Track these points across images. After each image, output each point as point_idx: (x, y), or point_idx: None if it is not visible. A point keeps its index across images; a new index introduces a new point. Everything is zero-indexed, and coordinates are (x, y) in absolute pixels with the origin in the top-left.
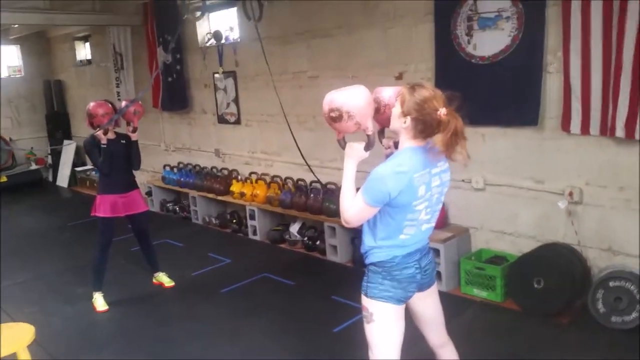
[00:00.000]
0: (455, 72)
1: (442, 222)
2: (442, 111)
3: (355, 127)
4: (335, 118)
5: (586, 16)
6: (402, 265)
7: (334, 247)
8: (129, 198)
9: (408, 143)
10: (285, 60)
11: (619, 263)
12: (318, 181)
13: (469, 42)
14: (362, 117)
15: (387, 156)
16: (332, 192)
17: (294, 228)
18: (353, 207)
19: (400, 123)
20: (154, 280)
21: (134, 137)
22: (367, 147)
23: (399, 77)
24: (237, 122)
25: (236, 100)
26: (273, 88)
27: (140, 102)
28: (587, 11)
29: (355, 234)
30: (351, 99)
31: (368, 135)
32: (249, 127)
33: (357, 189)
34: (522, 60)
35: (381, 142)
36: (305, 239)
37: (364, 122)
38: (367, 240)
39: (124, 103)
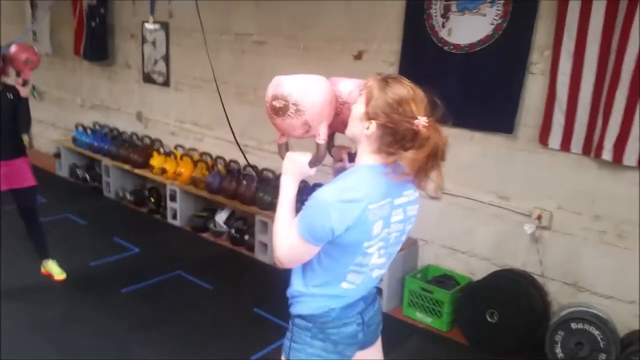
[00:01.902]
0: (423, 59)
1: None
2: (422, 120)
3: (303, 130)
4: (277, 109)
5: (586, 12)
6: (340, 322)
7: (264, 245)
8: (11, 167)
9: (367, 158)
10: (228, 18)
11: (584, 301)
12: (252, 166)
13: (443, 26)
14: (314, 116)
15: (336, 172)
16: (268, 181)
17: (221, 217)
18: (285, 243)
19: (361, 128)
20: (42, 269)
21: (23, 92)
22: (314, 162)
23: (358, 56)
24: (166, 83)
25: (166, 58)
26: (209, 48)
27: (35, 49)
28: (588, 7)
29: None
30: (305, 88)
31: (318, 145)
32: (179, 91)
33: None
34: (503, 55)
35: (329, 152)
36: (233, 231)
37: (315, 125)
38: (296, 284)
39: (13, 47)
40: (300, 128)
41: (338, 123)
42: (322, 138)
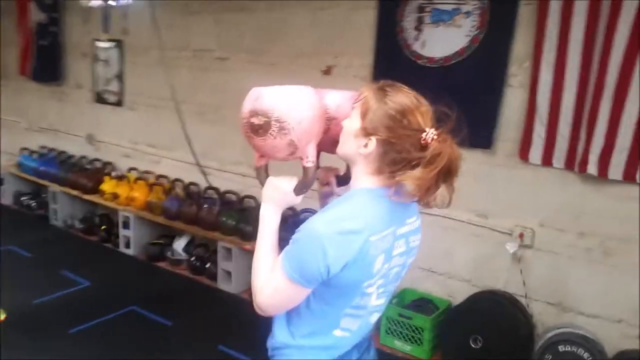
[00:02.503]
0: (396, 74)
1: None
2: (431, 133)
3: (288, 151)
4: (257, 128)
5: (566, 21)
6: None
7: (228, 274)
8: None
9: (365, 181)
10: (187, 34)
11: (570, 322)
12: (214, 188)
13: (416, 39)
14: (301, 135)
15: (323, 198)
16: (231, 204)
17: (179, 244)
18: (268, 286)
19: (356, 146)
20: None
21: None
22: (301, 189)
23: (327, 71)
24: (119, 103)
25: (120, 77)
26: (166, 66)
27: None
28: (568, 15)
29: None
30: (290, 102)
31: (306, 169)
32: (133, 110)
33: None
34: (481, 68)
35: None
36: (193, 259)
37: (302, 146)
38: (280, 333)
39: None
40: (285, 149)
41: (326, 142)
42: (310, 160)
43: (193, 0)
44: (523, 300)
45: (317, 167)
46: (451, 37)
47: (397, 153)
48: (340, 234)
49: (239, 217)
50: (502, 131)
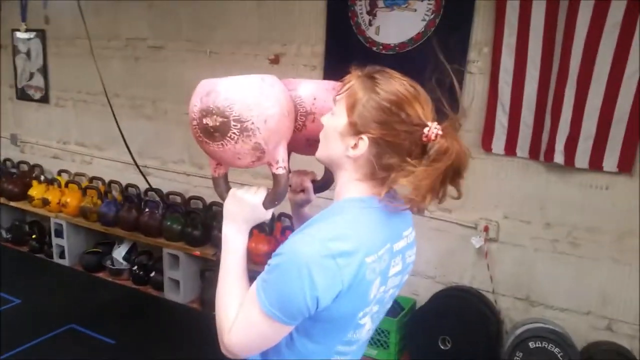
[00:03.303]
0: (350, 61)
1: None
2: (433, 128)
3: (253, 156)
4: (212, 130)
5: (526, 4)
6: None
7: (176, 282)
8: None
9: (354, 188)
10: (117, 21)
11: (538, 316)
12: (155, 190)
13: (370, 24)
14: (269, 136)
15: (299, 211)
16: (176, 206)
17: (119, 252)
18: (239, 324)
19: (342, 147)
20: None
21: None
22: (272, 201)
23: (275, 60)
24: (45, 99)
25: (44, 70)
26: (95, 57)
27: None
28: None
29: (206, 265)
30: (252, 96)
31: (277, 176)
32: (60, 107)
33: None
34: (438, 54)
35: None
36: (135, 268)
37: (270, 149)
38: None
39: None
40: (250, 155)
41: (299, 142)
42: (281, 166)
43: None
44: (490, 296)
45: (289, 172)
46: (406, 21)
47: (394, 154)
48: (331, 257)
49: (185, 220)
50: (463, 120)
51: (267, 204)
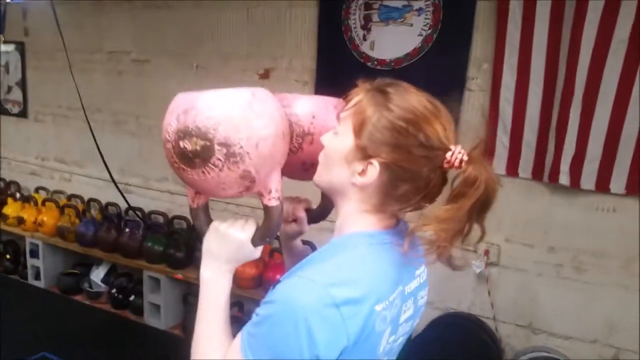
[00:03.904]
0: (343, 77)
1: None
2: (457, 152)
3: (241, 186)
4: (192, 156)
5: (529, 19)
6: None
7: (156, 307)
8: None
9: (361, 222)
10: (100, 34)
11: (541, 345)
12: (136, 209)
13: (364, 38)
14: (261, 162)
15: (291, 244)
16: (158, 227)
17: (97, 274)
18: None
19: (348, 173)
20: None
21: None
22: (263, 237)
23: (265, 75)
24: (23, 114)
25: (23, 84)
26: (76, 71)
27: None
28: (531, 12)
29: (189, 289)
30: (241, 115)
31: (269, 209)
32: (39, 122)
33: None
34: (436, 70)
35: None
36: (114, 291)
37: (262, 177)
38: None
39: None
40: (237, 184)
41: (293, 166)
42: (274, 196)
43: None
44: (491, 323)
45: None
46: (402, 36)
47: (410, 182)
48: (334, 306)
49: (167, 241)
50: (462, 139)
51: (257, 240)
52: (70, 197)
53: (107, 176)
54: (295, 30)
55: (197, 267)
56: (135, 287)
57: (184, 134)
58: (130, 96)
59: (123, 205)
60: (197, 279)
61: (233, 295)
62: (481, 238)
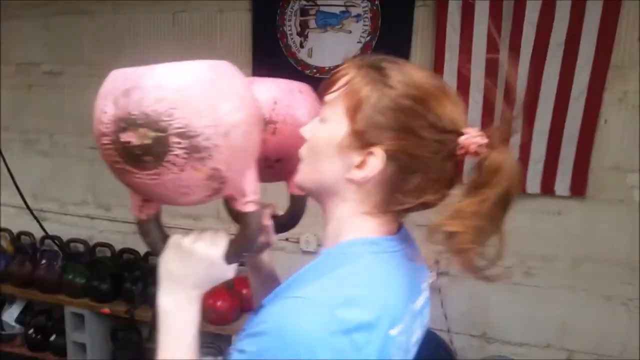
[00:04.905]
0: None
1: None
2: (474, 135)
3: (208, 189)
4: (138, 153)
5: (468, 21)
6: None
7: (81, 346)
8: None
9: (361, 226)
10: (6, 44)
11: (495, 354)
12: (53, 237)
13: (302, 45)
14: (234, 157)
15: (256, 264)
16: (78, 256)
17: (10, 314)
18: None
19: (342, 166)
20: None
21: None
22: (240, 252)
23: None
24: None
25: None
26: None
27: None
28: (470, 13)
29: (118, 324)
30: (205, 96)
31: (246, 216)
32: None
33: None
34: None
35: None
36: (31, 331)
37: (236, 175)
38: None
39: None
40: (203, 187)
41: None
42: (251, 199)
43: (14, 3)
44: (445, 336)
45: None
46: (341, 43)
47: (421, 173)
48: (344, 333)
49: (90, 272)
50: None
51: (232, 256)
52: None
53: (17, 202)
54: (227, 36)
55: (125, 299)
56: (55, 326)
57: (127, 123)
58: (42, 112)
59: (38, 235)
60: (127, 312)
61: (207, 336)
62: (501, 248)
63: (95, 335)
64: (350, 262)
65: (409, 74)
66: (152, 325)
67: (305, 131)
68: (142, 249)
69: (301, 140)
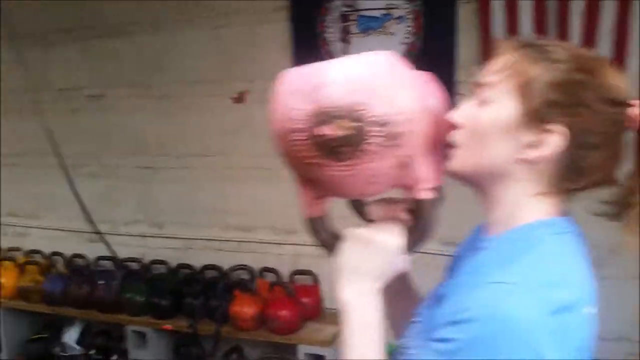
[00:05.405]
0: None
1: (317, 308)
2: None
3: (394, 177)
4: (334, 145)
5: (513, 19)
6: None
7: None
8: None
9: (536, 208)
10: (47, 70)
11: None
12: (110, 258)
13: (344, 51)
14: (419, 143)
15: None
16: (135, 274)
17: (70, 336)
18: None
19: (513, 147)
20: None
21: None
22: (418, 240)
23: (239, 99)
24: None
25: None
26: (21, 114)
27: None
28: (514, 12)
29: (181, 340)
30: (391, 85)
31: (421, 203)
32: None
33: None
34: None
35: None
36: (92, 352)
37: (417, 161)
38: None
39: None
40: (389, 175)
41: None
42: (428, 186)
43: (52, 30)
44: None
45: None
46: (385, 46)
47: (599, 149)
48: (555, 313)
49: (149, 289)
50: None
51: (412, 245)
52: (28, 253)
53: (70, 225)
54: (268, 47)
55: (186, 314)
56: (117, 345)
57: (322, 117)
58: (87, 135)
59: (91, 256)
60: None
61: (269, 346)
62: None
63: (158, 352)
64: (536, 245)
65: (569, 48)
66: (215, 339)
67: (459, 117)
68: (197, 263)
69: (437, 132)
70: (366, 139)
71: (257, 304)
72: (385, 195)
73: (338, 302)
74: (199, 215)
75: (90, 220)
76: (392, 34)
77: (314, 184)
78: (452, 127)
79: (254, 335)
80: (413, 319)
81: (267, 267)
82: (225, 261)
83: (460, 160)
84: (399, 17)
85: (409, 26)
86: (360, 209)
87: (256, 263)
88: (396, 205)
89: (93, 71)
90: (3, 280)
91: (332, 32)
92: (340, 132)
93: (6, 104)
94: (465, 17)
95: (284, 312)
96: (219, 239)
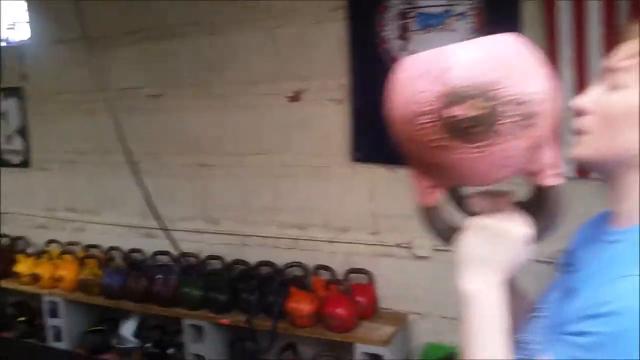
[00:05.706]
0: (380, 92)
1: (371, 307)
2: None
3: (524, 161)
4: (465, 126)
5: (580, 15)
6: None
7: (200, 357)
8: None
9: None
10: (106, 71)
11: None
12: (167, 253)
13: (403, 49)
14: (550, 125)
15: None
16: (192, 269)
17: (127, 329)
18: None
19: None
20: None
21: None
22: (547, 229)
23: (295, 97)
24: (25, 164)
25: (23, 132)
26: (83, 112)
27: None
28: (581, 7)
29: (236, 335)
30: (522, 64)
31: (548, 190)
32: (45, 171)
33: None
34: None
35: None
36: (148, 345)
37: (548, 142)
38: None
39: None
40: (522, 158)
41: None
42: (555, 171)
43: (114, 32)
44: None
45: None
46: (446, 42)
47: None
48: None
49: (206, 284)
50: None
51: (539, 235)
52: (87, 247)
53: (128, 221)
54: (324, 46)
55: (242, 310)
56: (172, 339)
57: (453, 98)
58: (144, 134)
59: (148, 251)
60: (246, 322)
61: (325, 344)
62: None
63: (214, 347)
64: None
65: None
66: (272, 335)
67: (589, 102)
68: (252, 259)
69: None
70: (500, 119)
71: (313, 301)
72: (490, 187)
73: (462, 295)
74: (254, 212)
75: (157, 216)
76: (453, 30)
77: (432, 172)
78: (580, 113)
79: (309, 332)
80: (533, 314)
81: (322, 265)
82: (279, 258)
83: (588, 147)
84: (460, 14)
85: (471, 22)
86: (461, 202)
87: (309, 260)
88: (501, 198)
89: (151, 72)
90: (64, 272)
91: (390, 30)
92: (473, 112)
93: (67, 104)
94: (530, 13)
95: (340, 310)
96: (273, 236)
